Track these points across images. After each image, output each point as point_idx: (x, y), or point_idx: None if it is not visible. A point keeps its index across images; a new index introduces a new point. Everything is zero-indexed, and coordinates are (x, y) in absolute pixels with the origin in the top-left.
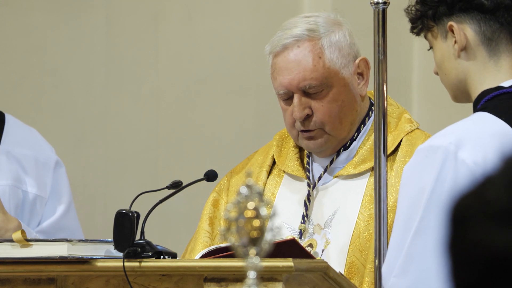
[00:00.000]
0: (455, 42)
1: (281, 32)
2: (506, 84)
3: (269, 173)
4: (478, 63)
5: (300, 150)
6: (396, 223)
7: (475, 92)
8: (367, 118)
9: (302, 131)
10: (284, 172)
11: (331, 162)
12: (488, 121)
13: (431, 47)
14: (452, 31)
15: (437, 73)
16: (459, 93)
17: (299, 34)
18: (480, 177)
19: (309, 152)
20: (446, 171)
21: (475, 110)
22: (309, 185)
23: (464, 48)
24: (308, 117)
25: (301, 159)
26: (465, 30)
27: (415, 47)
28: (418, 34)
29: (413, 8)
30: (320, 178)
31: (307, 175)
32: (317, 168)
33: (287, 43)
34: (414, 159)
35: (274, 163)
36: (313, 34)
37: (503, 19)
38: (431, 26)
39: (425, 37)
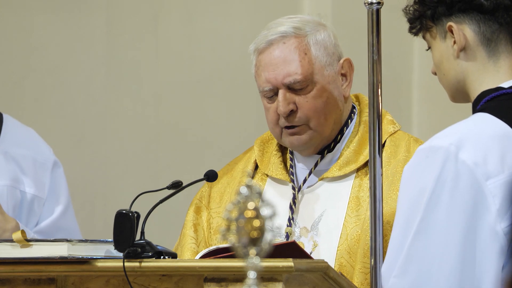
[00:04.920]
0: (454, 42)
1: (266, 31)
2: (505, 84)
3: (252, 177)
4: (477, 64)
5: (283, 153)
6: (396, 223)
7: (474, 92)
8: (349, 121)
9: (287, 127)
10: (267, 176)
11: (316, 165)
12: (488, 122)
13: (429, 47)
14: (451, 31)
15: (435, 73)
16: (458, 93)
17: (285, 31)
18: None
19: (291, 156)
20: (446, 172)
21: (475, 110)
22: (293, 188)
23: (463, 49)
24: (292, 113)
25: (284, 162)
26: (464, 30)
27: (415, 47)
28: (416, 34)
29: (412, 8)
30: (305, 181)
31: (291, 178)
32: (301, 171)
33: (272, 39)
34: (414, 159)
35: (256, 167)
36: (299, 31)
37: (502, 20)
38: (430, 27)
39: (424, 37)
